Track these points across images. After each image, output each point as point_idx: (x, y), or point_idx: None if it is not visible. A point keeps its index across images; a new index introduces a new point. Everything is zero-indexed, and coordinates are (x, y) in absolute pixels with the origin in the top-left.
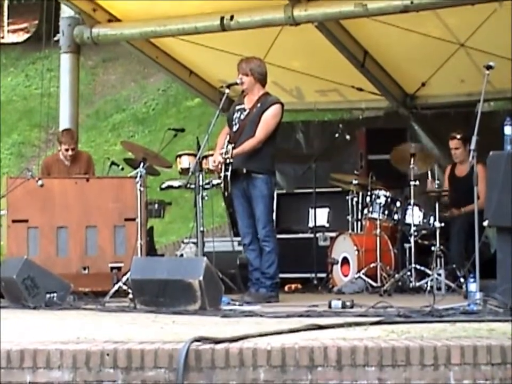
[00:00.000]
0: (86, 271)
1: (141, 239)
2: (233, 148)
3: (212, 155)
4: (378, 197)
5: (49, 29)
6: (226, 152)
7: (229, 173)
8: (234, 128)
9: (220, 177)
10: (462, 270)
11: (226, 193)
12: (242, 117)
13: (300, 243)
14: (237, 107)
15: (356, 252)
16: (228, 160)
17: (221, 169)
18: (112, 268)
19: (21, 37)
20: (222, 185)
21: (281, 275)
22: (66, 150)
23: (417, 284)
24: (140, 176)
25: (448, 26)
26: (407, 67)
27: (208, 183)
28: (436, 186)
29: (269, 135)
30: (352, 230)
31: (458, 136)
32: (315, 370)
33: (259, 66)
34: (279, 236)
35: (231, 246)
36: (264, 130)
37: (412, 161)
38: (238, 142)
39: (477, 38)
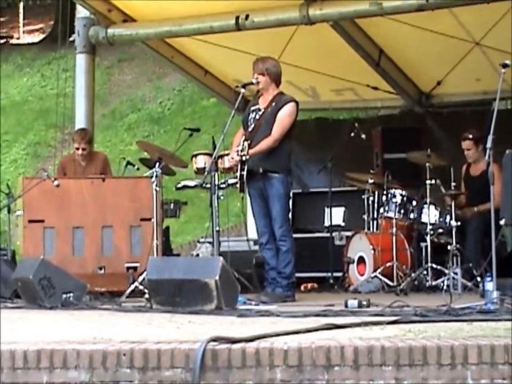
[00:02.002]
0: (102, 271)
1: (156, 239)
2: (249, 146)
3: (227, 155)
4: (394, 196)
5: (64, 29)
6: (242, 150)
7: (244, 172)
8: (250, 128)
9: (235, 176)
10: (479, 268)
11: (242, 194)
12: (257, 117)
13: (315, 242)
14: (252, 107)
15: (372, 251)
16: (243, 158)
17: (236, 167)
18: (128, 268)
19: (37, 37)
20: (238, 185)
21: (297, 274)
22: (77, 149)
23: (434, 283)
24: (156, 176)
25: (463, 24)
26: (422, 66)
27: (223, 183)
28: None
29: (284, 134)
30: (368, 229)
31: (470, 136)
32: (332, 370)
33: (274, 66)
34: (295, 235)
35: (247, 246)
36: (280, 129)
37: (427, 162)
38: (254, 141)
39: (492, 36)
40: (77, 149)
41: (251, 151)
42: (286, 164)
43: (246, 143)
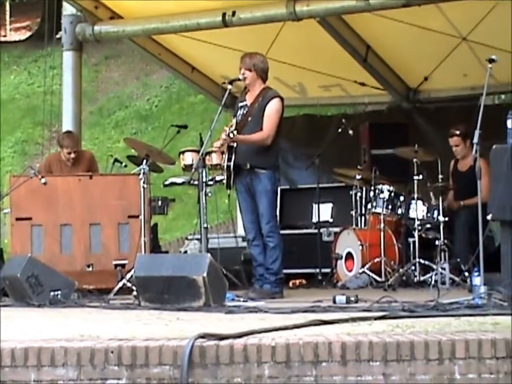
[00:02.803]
0: (90, 269)
1: (144, 236)
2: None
3: (215, 151)
4: (382, 192)
5: (51, 26)
6: (231, 126)
7: (231, 163)
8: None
9: (222, 167)
10: (466, 263)
11: (229, 189)
12: (244, 113)
13: (303, 238)
14: (240, 104)
15: (360, 247)
16: (231, 135)
17: (224, 144)
18: (116, 265)
19: (23, 35)
20: (225, 180)
21: (286, 271)
22: (69, 153)
23: (422, 278)
24: (143, 173)
25: (450, 20)
26: (409, 61)
27: (211, 180)
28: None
29: (274, 131)
30: (356, 225)
31: (457, 133)
32: (320, 365)
33: (262, 62)
34: (283, 232)
35: (235, 242)
36: (269, 125)
37: (414, 157)
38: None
39: (479, 32)
40: (69, 153)
41: (241, 137)
42: (274, 160)
43: (234, 120)
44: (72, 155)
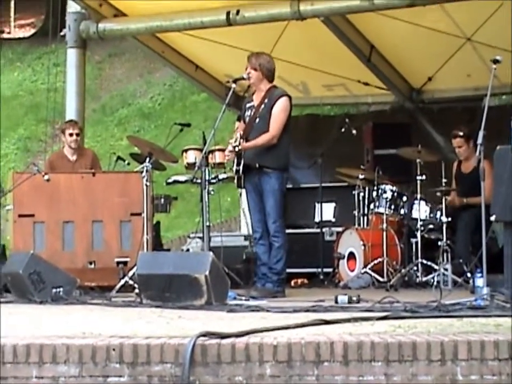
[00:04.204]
0: (92, 266)
1: (147, 234)
2: (241, 138)
3: (219, 150)
4: (385, 192)
5: (55, 24)
6: (235, 140)
7: (240, 167)
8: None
9: (231, 170)
10: (469, 264)
11: (240, 189)
12: (251, 114)
13: (306, 238)
14: (247, 105)
15: (362, 247)
16: (236, 149)
17: (232, 158)
18: (118, 263)
19: (28, 32)
20: (236, 180)
21: (288, 270)
22: (71, 134)
23: (424, 279)
24: (146, 171)
25: (455, 20)
26: (413, 61)
27: (214, 178)
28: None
29: (281, 129)
30: (359, 224)
31: (460, 134)
32: (321, 365)
33: (268, 62)
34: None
35: (237, 241)
36: (276, 125)
37: (418, 158)
38: (249, 138)
39: (484, 32)
40: (71, 134)
41: (247, 144)
42: (283, 160)
43: (238, 134)
44: (74, 137)
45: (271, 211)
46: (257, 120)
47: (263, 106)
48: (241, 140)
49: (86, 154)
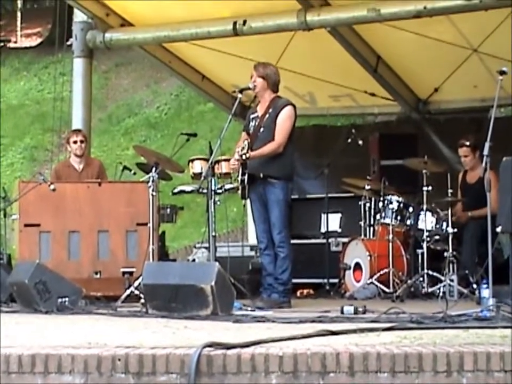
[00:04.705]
0: (98, 276)
1: (152, 244)
2: (249, 147)
3: (225, 160)
4: (391, 202)
5: (62, 33)
6: (243, 148)
7: (245, 177)
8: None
9: (236, 180)
10: (475, 275)
11: (244, 199)
12: (256, 124)
13: (312, 248)
14: (252, 115)
15: (368, 257)
16: (243, 157)
17: (237, 171)
18: (124, 273)
19: (34, 41)
20: (240, 191)
21: (293, 280)
22: (75, 142)
23: (430, 290)
24: (152, 181)
25: (461, 31)
26: (419, 72)
27: (220, 188)
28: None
29: (287, 138)
30: (365, 235)
31: (467, 143)
32: (327, 376)
33: (275, 74)
34: (291, 241)
35: (243, 251)
36: (281, 134)
37: (424, 168)
38: (254, 148)
39: (490, 44)
40: (75, 142)
41: (253, 153)
42: (288, 170)
43: (246, 142)
44: (78, 143)
45: (276, 221)
46: (262, 129)
47: (267, 116)
48: (248, 148)
49: (93, 164)
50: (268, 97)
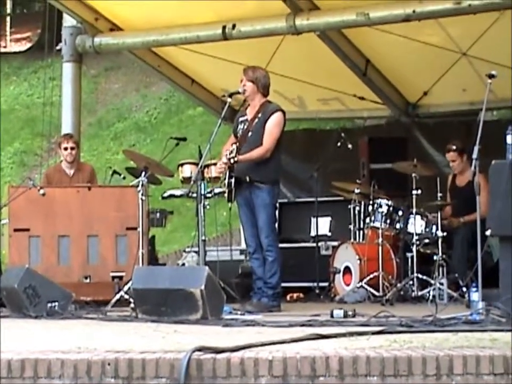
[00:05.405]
0: (88, 280)
1: (142, 248)
2: (237, 151)
3: (214, 164)
4: (381, 206)
5: (51, 38)
6: (231, 152)
7: (232, 180)
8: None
9: (224, 184)
10: (465, 279)
11: (230, 203)
12: (245, 127)
13: (301, 252)
14: (240, 118)
15: (358, 261)
16: (231, 160)
17: (224, 174)
18: (113, 277)
19: (23, 46)
20: (226, 194)
21: (283, 284)
22: (65, 148)
23: (420, 293)
24: (142, 185)
25: (450, 35)
26: (409, 76)
27: (210, 192)
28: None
29: (275, 144)
30: (354, 239)
31: (453, 148)
32: (317, 380)
33: (264, 77)
34: (281, 245)
35: (233, 255)
36: (270, 139)
37: (413, 171)
38: (242, 152)
39: (479, 47)
40: (65, 148)
41: (241, 157)
42: (274, 174)
43: (235, 146)
44: (69, 150)
45: (264, 225)
46: (250, 133)
47: (256, 120)
48: (236, 152)
49: (84, 169)
50: (258, 101)
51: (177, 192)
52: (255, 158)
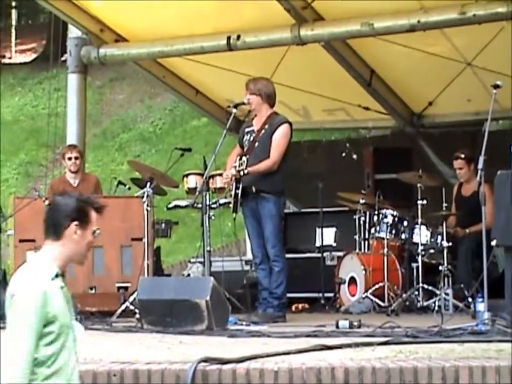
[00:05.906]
0: (93, 291)
1: (147, 259)
2: (247, 163)
3: (219, 174)
4: (386, 216)
5: (56, 49)
6: (240, 165)
7: (239, 191)
8: (245, 150)
9: (230, 195)
10: (470, 289)
11: (235, 213)
12: (251, 138)
13: (307, 262)
14: (247, 129)
15: (363, 272)
16: (241, 173)
17: (231, 183)
18: (119, 288)
19: (29, 57)
20: (232, 204)
21: (288, 295)
22: (69, 158)
23: (425, 304)
24: (147, 196)
25: (455, 45)
26: (413, 86)
27: (215, 203)
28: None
29: (282, 156)
30: (360, 249)
31: (462, 156)
32: None
33: (266, 86)
34: (286, 256)
35: (238, 266)
36: (277, 151)
37: (418, 182)
38: (249, 163)
39: (484, 57)
40: (69, 158)
41: (250, 169)
42: (280, 185)
43: (244, 158)
44: (73, 160)
45: (270, 236)
46: (257, 144)
47: (263, 131)
48: (246, 163)
49: (89, 179)
50: (265, 112)
51: (182, 203)
52: (263, 170)
